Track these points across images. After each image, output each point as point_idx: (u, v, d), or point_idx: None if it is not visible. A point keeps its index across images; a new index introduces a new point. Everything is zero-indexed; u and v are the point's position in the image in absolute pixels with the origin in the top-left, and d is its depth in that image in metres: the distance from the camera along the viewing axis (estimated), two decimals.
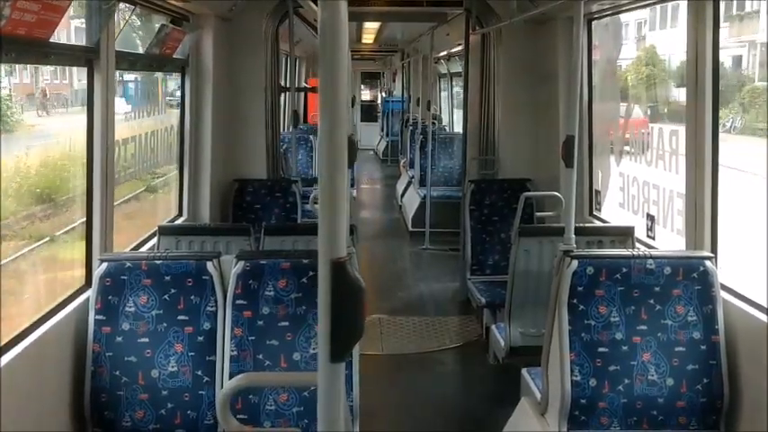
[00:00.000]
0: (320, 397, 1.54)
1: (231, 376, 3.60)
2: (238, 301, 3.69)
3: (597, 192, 6.14)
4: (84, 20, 4.16)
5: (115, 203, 4.40)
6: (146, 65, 5.56)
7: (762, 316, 3.54)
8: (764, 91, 5.54)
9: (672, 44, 4.28)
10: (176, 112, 6.24)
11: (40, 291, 4.65)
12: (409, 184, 12.43)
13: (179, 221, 6.09)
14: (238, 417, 3.52)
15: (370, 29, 13.49)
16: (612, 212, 5.94)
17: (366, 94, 26.99)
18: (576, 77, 4.16)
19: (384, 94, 24.28)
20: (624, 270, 3.70)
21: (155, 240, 5.00)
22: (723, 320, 3.66)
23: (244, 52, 6.79)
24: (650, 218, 5.14)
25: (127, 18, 4.82)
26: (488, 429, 4.94)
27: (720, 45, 4.09)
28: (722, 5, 4.17)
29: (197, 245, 4.98)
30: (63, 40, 3.66)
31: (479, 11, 7.18)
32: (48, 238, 4.62)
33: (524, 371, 4.61)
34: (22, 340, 3.30)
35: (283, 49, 7.77)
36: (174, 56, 5.80)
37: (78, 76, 5.13)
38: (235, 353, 3.66)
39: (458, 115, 15.25)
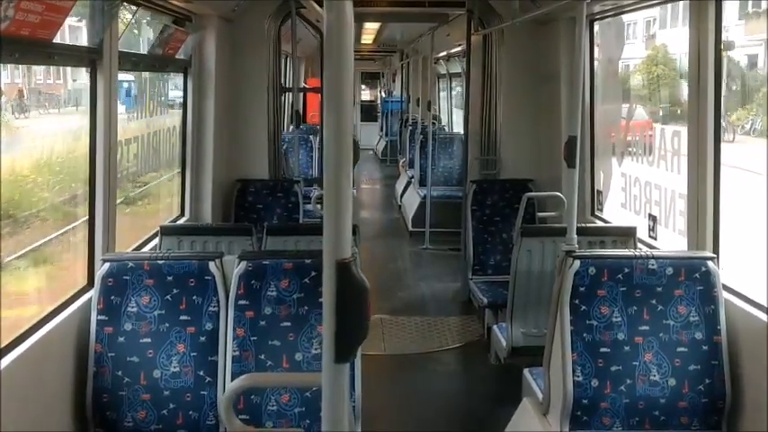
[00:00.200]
0: (325, 398, 1.54)
1: (233, 377, 3.60)
2: (240, 302, 3.69)
3: (599, 192, 6.14)
4: (79, 18, 4.14)
5: (73, 225, 4.21)
6: (148, 65, 5.56)
7: (764, 316, 3.54)
8: None
9: (684, 43, 4.21)
10: (162, 114, 6.07)
11: None
12: (408, 183, 12.43)
13: (181, 221, 6.10)
14: (240, 417, 3.52)
15: (370, 29, 13.48)
16: (614, 212, 5.94)
17: (366, 94, 27.03)
18: (579, 78, 4.16)
19: (384, 95, 24.29)
20: (626, 270, 3.70)
21: (157, 240, 5.01)
22: (725, 321, 3.67)
23: (246, 52, 6.80)
24: (652, 218, 5.14)
25: (130, 19, 4.82)
26: (490, 429, 4.94)
27: (737, 44, 4.04)
28: (727, 5, 4.15)
29: (199, 245, 4.98)
30: (57, 40, 3.63)
31: (481, 11, 7.18)
32: None
33: (526, 371, 4.61)
34: (25, 341, 3.30)
35: (283, 50, 7.77)
36: (177, 56, 5.80)
37: (73, 76, 5.07)
38: (237, 353, 3.67)
39: (457, 116, 15.26)
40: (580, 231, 4.36)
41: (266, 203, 6.71)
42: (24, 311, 3.60)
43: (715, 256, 3.86)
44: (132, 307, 3.70)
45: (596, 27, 6.12)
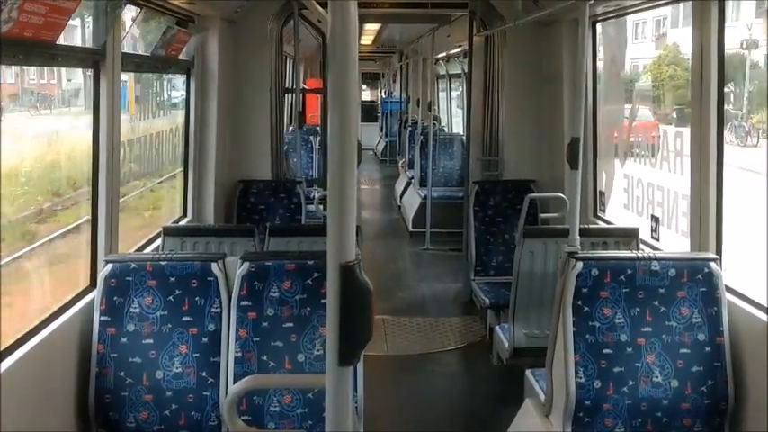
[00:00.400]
0: (328, 400, 1.54)
1: (236, 377, 3.60)
2: (243, 303, 3.70)
3: (602, 193, 6.14)
4: (77, 19, 4.12)
5: (38, 243, 4.00)
6: (151, 66, 5.56)
7: (767, 318, 3.54)
8: None
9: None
10: (152, 117, 5.88)
11: None
12: (408, 184, 12.44)
13: (183, 222, 6.10)
14: (243, 418, 3.53)
15: (370, 30, 13.48)
16: (618, 214, 5.93)
17: (367, 95, 27.05)
18: (581, 79, 4.16)
19: (384, 95, 24.30)
20: (629, 271, 3.70)
21: (159, 241, 5.01)
22: (728, 322, 3.66)
23: (248, 54, 6.81)
24: (655, 219, 5.14)
25: (134, 19, 4.82)
26: (492, 430, 4.94)
27: (759, 43, 3.98)
28: (742, 4, 4.12)
29: (201, 246, 4.99)
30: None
31: (484, 12, 7.19)
32: None
33: (528, 372, 4.61)
34: (27, 341, 3.30)
35: (284, 51, 7.77)
36: (180, 57, 5.81)
37: (68, 76, 5.02)
38: (239, 354, 3.67)
39: (456, 116, 15.27)
40: (583, 232, 4.36)
41: (268, 204, 6.71)
42: None
43: (718, 257, 3.85)
44: (135, 308, 3.70)
45: (599, 28, 6.11)
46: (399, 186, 13.54)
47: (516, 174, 7.15)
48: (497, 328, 5.92)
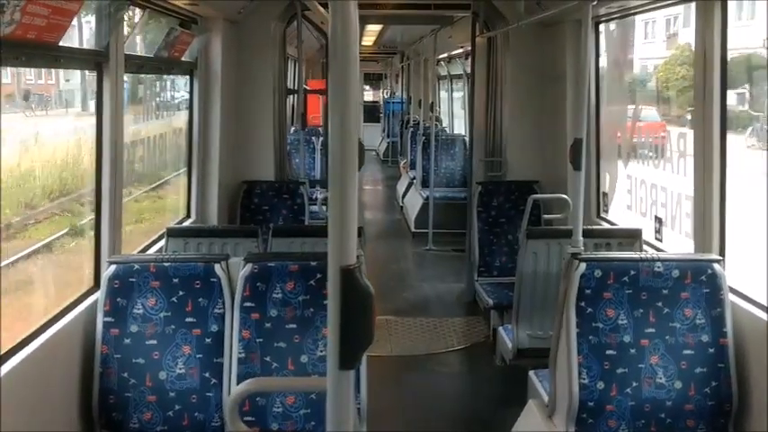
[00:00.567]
0: (329, 403, 1.53)
1: (239, 378, 3.60)
2: (246, 304, 3.70)
3: (605, 194, 6.13)
4: (76, 19, 4.12)
5: (10, 259, 3.90)
6: (154, 68, 5.57)
7: None
8: None
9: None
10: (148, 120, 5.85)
11: None
12: (410, 185, 12.43)
13: (187, 223, 6.11)
14: (245, 419, 3.53)
15: (371, 31, 13.49)
16: (620, 214, 5.92)
17: (369, 95, 27.06)
18: (584, 80, 4.16)
19: (386, 95, 24.31)
20: (632, 273, 3.70)
21: (163, 242, 5.02)
22: (731, 323, 3.66)
23: (252, 55, 6.82)
24: (658, 220, 5.13)
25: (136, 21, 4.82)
26: (495, 431, 4.94)
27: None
28: (755, 4, 4.11)
29: (205, 247, 4.99)
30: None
31: (486, 14, 7.19)
32: None
33: (531, 373, 4.61)
34: (31, 342, 3.31)
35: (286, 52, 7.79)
36: (183, 58, 5.82)
37: (66, 76, 5.00)
38: (242, 355, 3.67)
39: (458, 117, 15.26)
40: (586, 233, 4.36)
41: (272, 205, 6.71)
42: None
43: (721, 258, 3.85)
44: (138, 309, 3.71)
45: (605, 28, 6.09)
46: (401, 187, 13.54)
47: (519, 175, 7.15)
48: (501, 328, 5.91)
